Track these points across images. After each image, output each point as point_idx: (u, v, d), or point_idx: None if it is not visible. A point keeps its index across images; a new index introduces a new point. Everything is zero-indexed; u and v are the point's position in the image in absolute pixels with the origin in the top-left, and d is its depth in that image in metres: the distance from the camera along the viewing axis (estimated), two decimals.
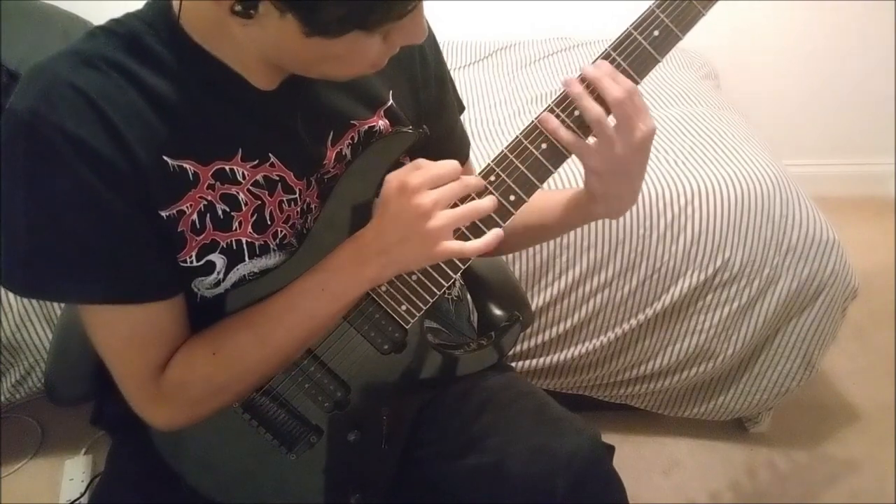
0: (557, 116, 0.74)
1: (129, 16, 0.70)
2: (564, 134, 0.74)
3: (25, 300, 1.42)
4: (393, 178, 0.72)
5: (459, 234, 0.74)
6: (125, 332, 0.72)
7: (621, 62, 0.74)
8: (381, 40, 0.65)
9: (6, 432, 1.66)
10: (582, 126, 0.74)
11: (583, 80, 0.73)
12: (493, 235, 0.73)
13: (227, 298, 0.77)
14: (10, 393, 1.51)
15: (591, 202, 0.83)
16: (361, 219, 0.77)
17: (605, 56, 0.74)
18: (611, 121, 0.73)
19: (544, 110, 0.74)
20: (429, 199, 0.70)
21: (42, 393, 1.50)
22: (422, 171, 0.71)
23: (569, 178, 1.44)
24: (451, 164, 0.72)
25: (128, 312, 0.71)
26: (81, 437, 1.66)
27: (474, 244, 0.73)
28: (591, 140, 0.76)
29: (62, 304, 1.37)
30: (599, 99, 0.73)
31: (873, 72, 2.43)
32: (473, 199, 0.73)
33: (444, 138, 0.92)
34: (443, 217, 0.70)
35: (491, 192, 0.74)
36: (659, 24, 0.73)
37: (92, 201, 0.65)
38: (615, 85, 0.71)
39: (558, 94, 0.75)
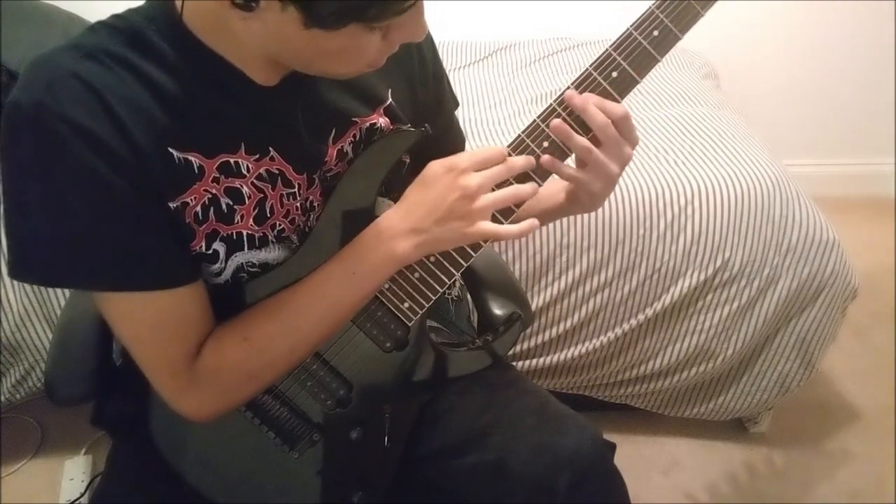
0: (543, 143, 0.76)
1: (130, 11, 0.70)
2: (569, 172, 0.77)
3: (25, 300, 1.42)
4: (439, 161, 0.75)
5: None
6: (151, 322, 0.72)
7: (621, 61, 0.74)
8: (380, 38, 0.65)
9: (6, 432, 1.66)
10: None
11: (564, 104, 0.75)
12: (528, 224, 0.75)
13: (238, 292, 0.77)
14: (10, 393, 1.51)
15: (573, 205, 0.86)
16: (363, 216, 0.77)
17: (606, 56, 0.74)
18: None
19: (530, 133, 0.76)
20: (475, 180, 0.72)
21: (42, 393, 1.50)
22: (469, 153, 0.74)
23: None
24: (497, 149, 0.74)
25: (150, 300, 0.71)
26: (81, 437, 1.65)
27: (510, 228, 0.74)
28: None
29: (62, 304, 1.38)
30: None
31: (873, 72, 2.44)
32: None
33: (442, 135, 0.93)
34: (487, 198, 0.73)
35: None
36: (658, 24, 0.73)
37: (102, 189, 0.65)
38: (598, 113, 0.74)
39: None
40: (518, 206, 0.76)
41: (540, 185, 0.76)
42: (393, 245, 0.75)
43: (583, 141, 0.75)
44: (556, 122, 0.75)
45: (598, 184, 0.78)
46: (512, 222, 0.76)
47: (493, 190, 0.74)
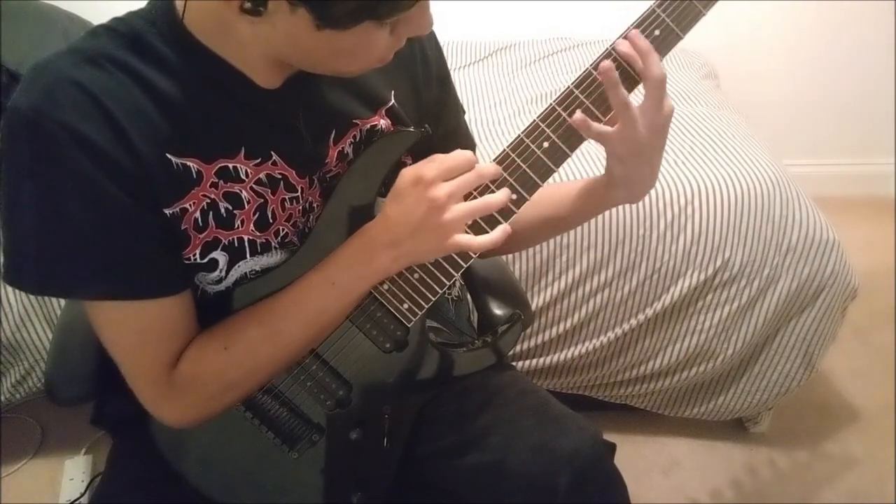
0: (577, 100, 0.73)
1: (131, 14, 0.70)
2: (597, 128, 0.74)
3: (25, 300, 1.42)
4: (408, 171, 0.72)
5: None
6: (136, 329, 0.72)
7: (623, 62, 0.74)
8: (388, 33, 0.65)
9: (6, 432, 1.66)
10: (603, 108, 0.74)
11: (613, 57, 0.72)
12: (500, 231, 0.74)
13: (232, 296, 0.77)
14: (10, 393, 1.51)
15: (612, 188, 0.82)
16: (363, 217, 0.77)
17: (608, 55, 0.74)
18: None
19: (563, 94, 0.74)
20: (444, 191, 0.70)
21: (42, 393, 1.50)
22: (436, 163, 0.71)
23: (576, 171, 1.44)
24: (464, 155, 0.72)
25: (138, 309, 0.71)
26: (81, 437, 1.66)
27: (483, 239, 0.73)
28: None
29: (62, 304, 1.38)
30: (624, 75, 0.72)
31: (873, 72, 2.44)
32: (491, 188, 0.74)
33: (447, 138, 0.92)
34: (457, 210, 0.71)
35: (505, 181, 0.75)
36: (660, 24, 0.73)
37: (97, 197, 0.65)
38: (657, 65, 0.71)
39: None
40: (517, 206, 0.75)
41: (540, 186, 0.76)
42: (371, 259, 0.74)
43: (624, 95, 0.71)
44: (607, 64, 0.71)
45: (623, 147, 0.74)
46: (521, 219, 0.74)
47: (470, 197, 0.72)
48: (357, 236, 0.76)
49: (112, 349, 0.75)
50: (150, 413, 0.78)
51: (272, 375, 0.79)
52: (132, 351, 0.74)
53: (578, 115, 0.72)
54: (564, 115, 0.74)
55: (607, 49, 0.73)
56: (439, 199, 0.70)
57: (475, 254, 0.76)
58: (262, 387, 0.80)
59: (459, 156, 0.72)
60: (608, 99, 0.73)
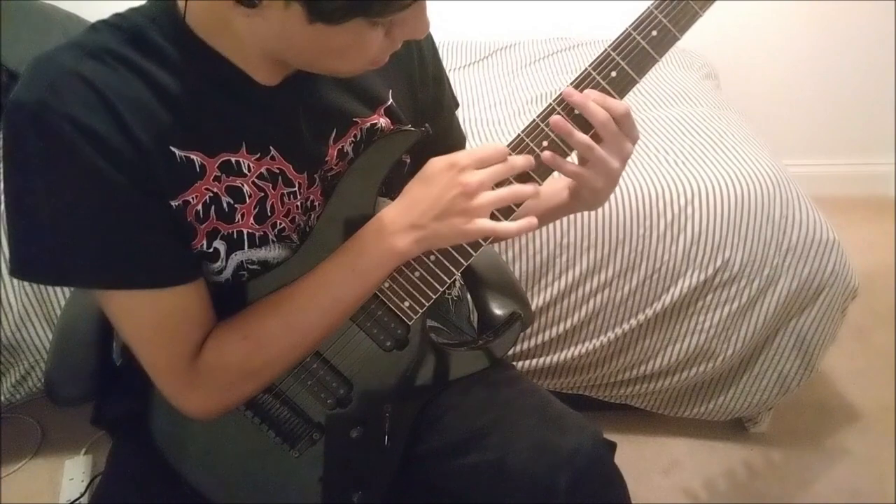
0: (543, 143, 0.76)
1: (131, 11, 0.70)
2: (571, 168, 0.77)
3: (25, 300, 1.42)
4: (439, 158, 0.75)
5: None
6: (154, 320, 0.72)
7: (620, 61, 0.74)
8: (383, 34, 0.65)
9: (6, 432, 1.66)
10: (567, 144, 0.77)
11: (563, 103, 0.75)
12: (525, 222, 0.75)
13: (236, 291, 0.77)
14: (10, 393, 1.51)
15: (575, 204, 0.87)
16: (363, 216, 0.77)
17: (605, 56, 0.75)
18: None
19: (529, 132, 0.76)
20: (476, 177, 0.73)
21: (42, 393, 1.50)
22: (469, 151, 0.74)
23: None
24: (498, 147, 0.74)
25: (154, 298, 0.71)
26: (81, 437, 1.66)
27: (508, 226, 0.75)
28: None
29: (62, 304, 1.38)
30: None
31: (873, 72, 2.44)
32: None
33: (442, 135, 0.93)
34: (486, 196, 0.73)
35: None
36: (657, 24, 0.74)
37: (106, 187, 0.65)
38: (599, 109, 0.74)
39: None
40: (518, 205, 0.76)
41: (540, 185, 0.77)
42: (392, 240, 0.75)
43: (583, 138, 0.75)
44: (556, 118, 0.75)
45: (600, 180, 0.78)
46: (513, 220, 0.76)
47: (494, 188, 0.74)
48: (375, 221, 0.76)
49: (130, 341, 0.74)
50: (172, 404, 0.77)
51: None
52: (151, 342, 0.74)
53: (548, 153, 0.75)
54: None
55: (558, 97, 0.75)
56: (470, 184, 0.72)
57: (474, 253, 0.76)
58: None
59: (492, 147, 0.75)
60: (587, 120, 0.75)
